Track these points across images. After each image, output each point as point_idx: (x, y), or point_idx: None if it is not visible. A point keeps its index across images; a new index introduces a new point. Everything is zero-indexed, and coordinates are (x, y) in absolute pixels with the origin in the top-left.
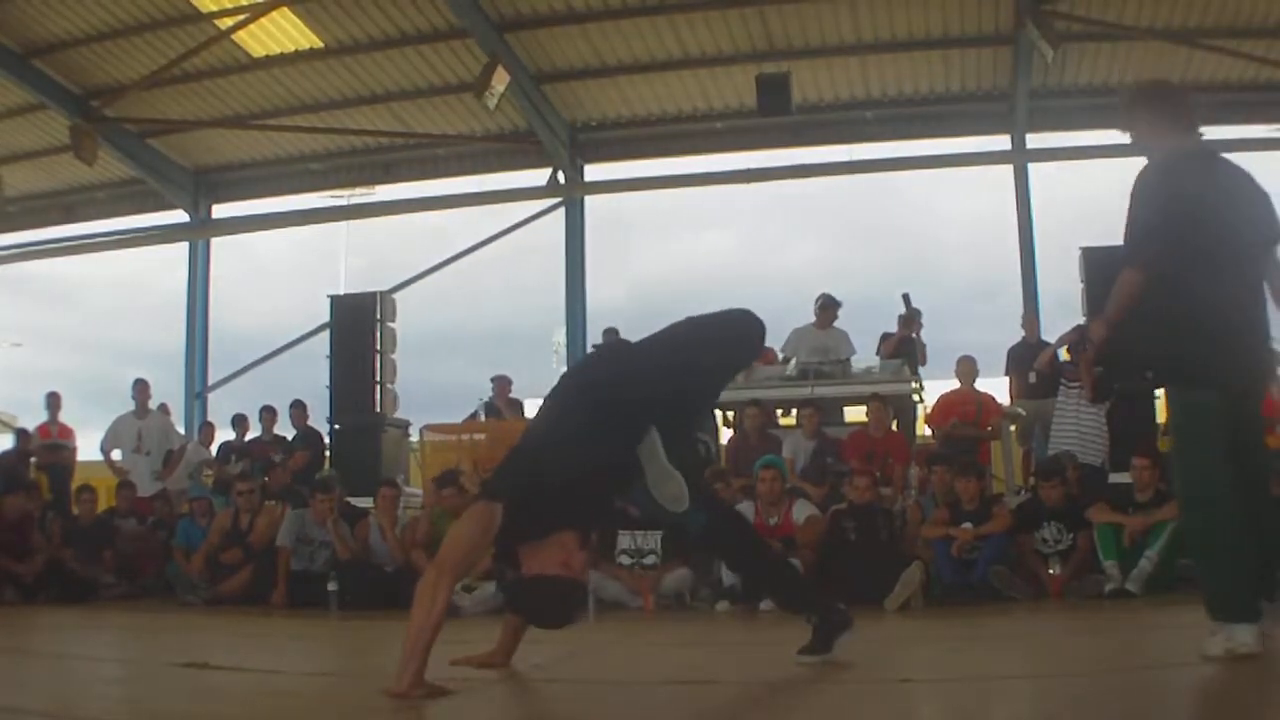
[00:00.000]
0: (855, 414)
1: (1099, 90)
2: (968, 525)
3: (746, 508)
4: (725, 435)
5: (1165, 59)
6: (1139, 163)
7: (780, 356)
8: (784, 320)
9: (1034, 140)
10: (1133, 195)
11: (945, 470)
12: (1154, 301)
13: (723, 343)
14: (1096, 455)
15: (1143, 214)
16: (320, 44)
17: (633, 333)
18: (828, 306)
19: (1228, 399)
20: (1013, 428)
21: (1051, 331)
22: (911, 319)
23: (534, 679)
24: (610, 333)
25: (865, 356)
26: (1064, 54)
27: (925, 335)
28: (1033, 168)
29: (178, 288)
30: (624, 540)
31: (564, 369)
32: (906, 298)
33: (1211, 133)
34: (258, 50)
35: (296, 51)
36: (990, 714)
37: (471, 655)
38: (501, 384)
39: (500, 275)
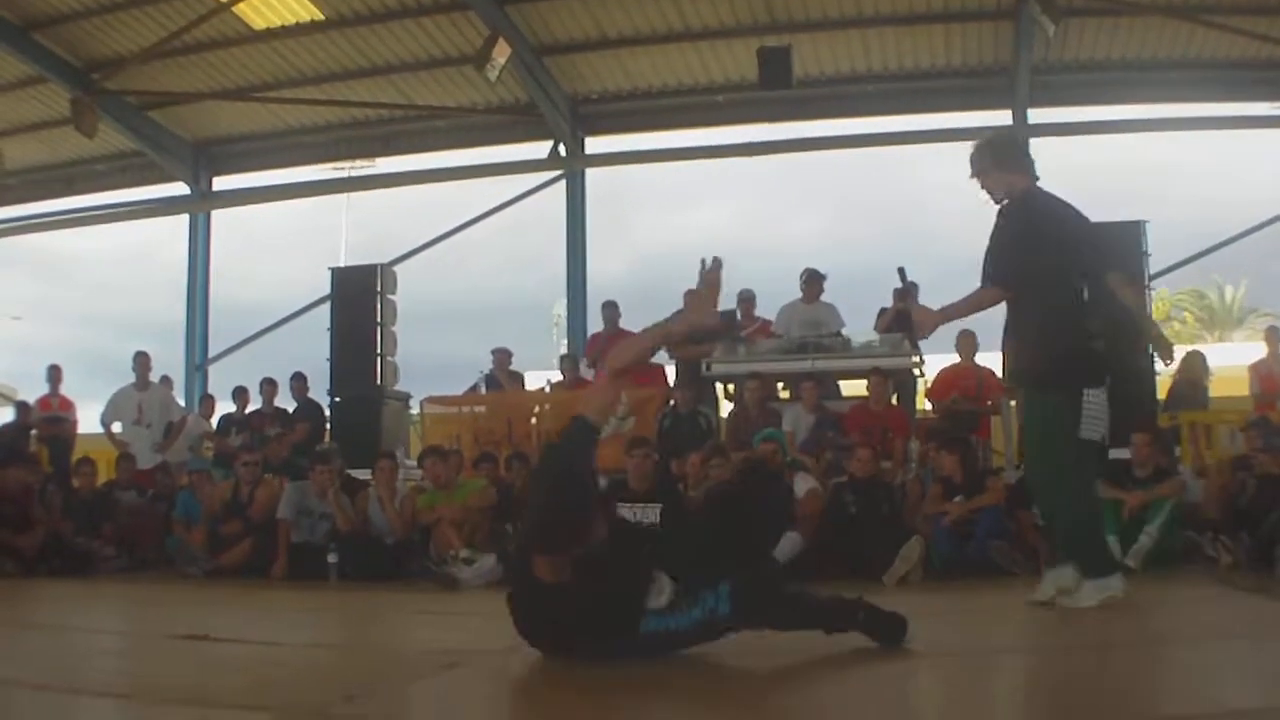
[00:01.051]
0: (852, 388)
1: (1100, 65)
2: (959, 499)
3: None
4: (725, 408)
5: (1167, 34)
6: (1141, 139)
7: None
8: (784, 295)
9: (1035, 115)
10: (998, 228)
11: (935, 448)
12: (1019, 318)
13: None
14: (1096, 431)
15: (1009, 243)
16: (321, 16)
17: (632, 306)
18: (812, 280)
19: (1074, 398)
20: (1013, 403)
21: None
22: (907, 292)
23: (533, 651)
24: (609, 306)
25: (865, 331)
26: (1065, 28)
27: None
28: (1034, 143)
29: (178, 261)
30: (623, 513)
31: (565, 341)
32: (902, 271)
33: (1212, 110)
34: (258, 22)
35: (297, 23)
36: (989, 688)
37: None
38: (501, 356)
39: (501, 248)
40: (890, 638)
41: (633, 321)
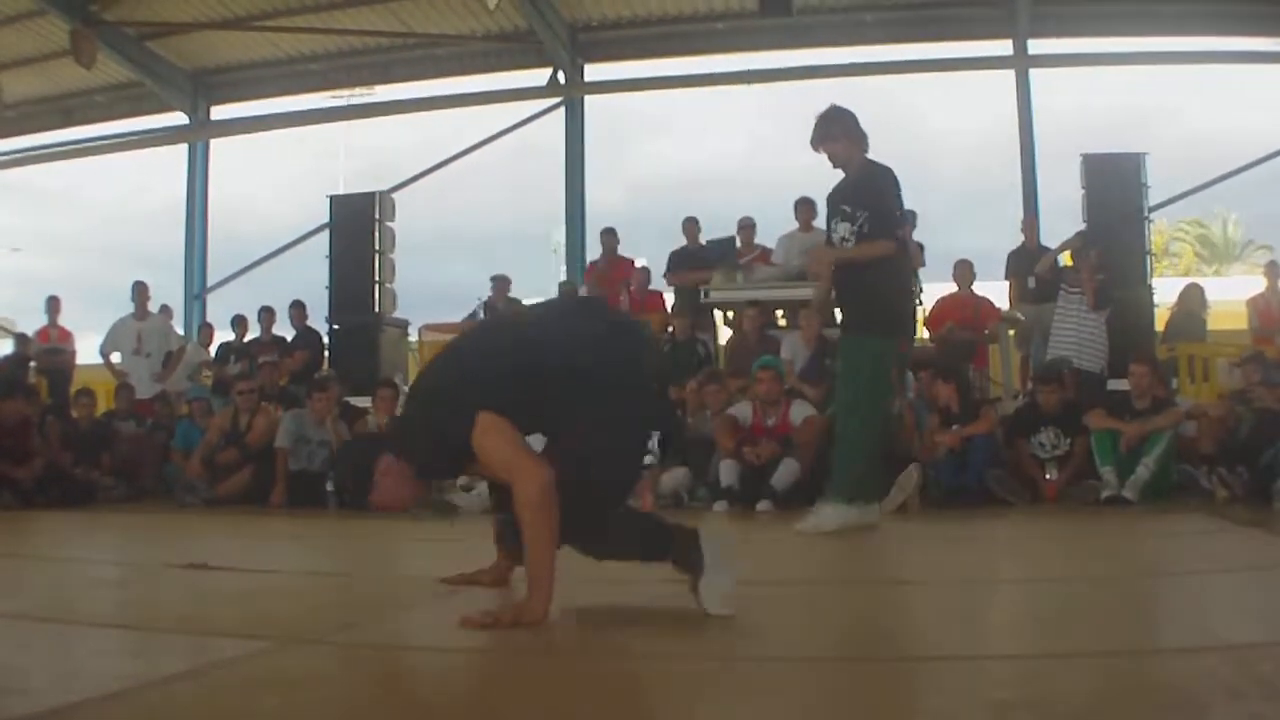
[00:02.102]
0: None
1: None
2: (956, 429)
3: (744, 408)
4: (724, 335)
5: None
6: (1142, 72)
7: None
8: (786, 225)
9: (1035, 46)
10: (873, 188)
11: (927, 377)
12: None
13: None
14: (1096, 362)
15: (886, 204)
16: None
17: (631, 232)
18: (804, 206)
19: (890, 344)
20: (1011, 332)
21: (1051, 237)
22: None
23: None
24: (608, 233)
25: None
26: None
27: (925, 239)
28: (1034, 73)
29: (177, 191)
30: None
31: (564, 268)
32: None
33: (1214, 44)
34: None
35: None
36: (982, 616)
37: (463, 574)
38: (500, 283)
39: (500, 176)
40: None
41: (630, 248)
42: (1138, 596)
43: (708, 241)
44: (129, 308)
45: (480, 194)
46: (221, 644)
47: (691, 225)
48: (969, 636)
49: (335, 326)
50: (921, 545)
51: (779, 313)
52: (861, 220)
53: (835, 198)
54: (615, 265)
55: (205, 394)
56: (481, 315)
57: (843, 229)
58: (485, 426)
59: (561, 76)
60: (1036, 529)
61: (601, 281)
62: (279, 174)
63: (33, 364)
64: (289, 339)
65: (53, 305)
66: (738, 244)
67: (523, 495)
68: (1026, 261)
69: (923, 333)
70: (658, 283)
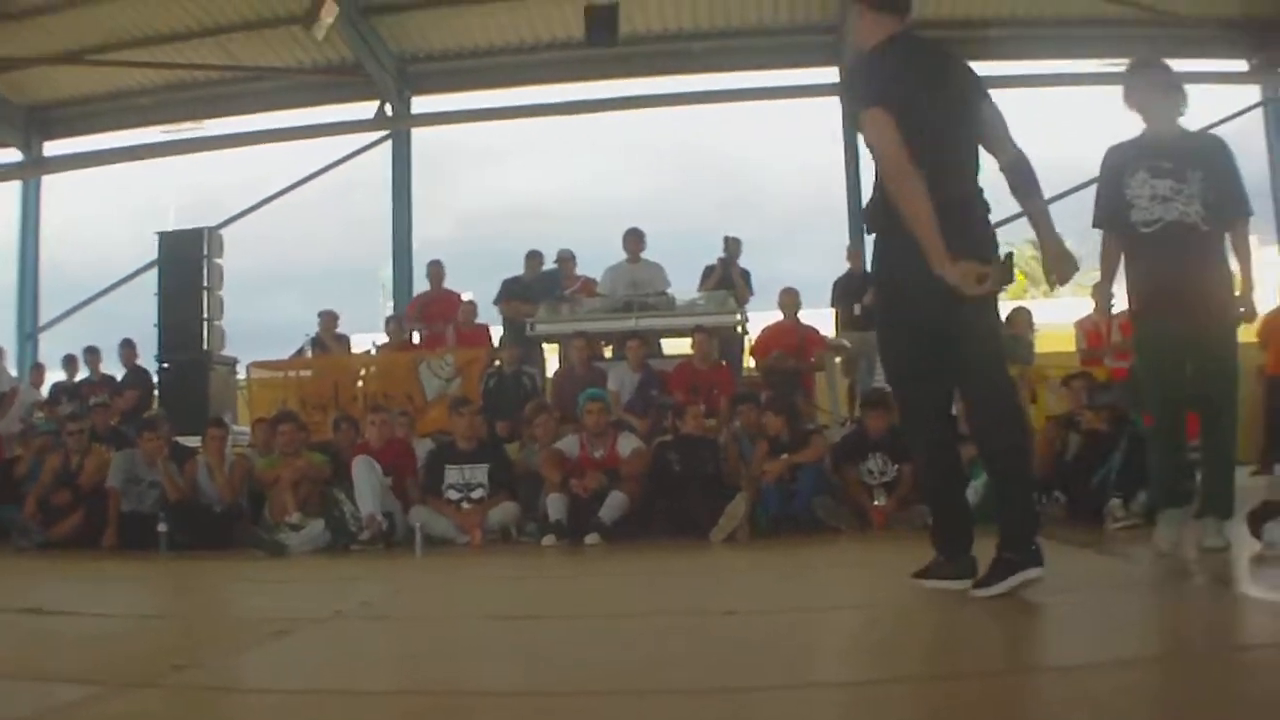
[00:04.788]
0: (676, 346)
1: (929, 24)
2: (784, 457)
3: (571, 441)
4: (552, 368)
5: None
6: None
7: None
8: (613, 256)
9: None
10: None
11: (750, 409)
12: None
13: None
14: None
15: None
16: None
17: (460, 265)
18: (632, 238)
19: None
20: (838, 360)
21: None
22: (731, 258)
23: (359, 617)
24: (434, 265)
25: (690, 289)
26: None
27: (751, 265)
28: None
29: (8, 228)
30: (451, 474)
31: (391, 303)
32: (727, 240)
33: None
34: None
35: None
36: (816, 644)
37: None
38: (328, 318)
39: (329, 211)
40: None
41: (460, 281)
42: (968, 621)
43: (527, 274)
44: None
45: (309, 229)
46: (56, 689)
47: (535, 259)
48: (798, 664)
49: (164, 365)
50: (751, 574)
51: (606, 344)
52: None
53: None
54: (441, 299)
55: (54, 428)
56: (309, 352)
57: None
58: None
59: (389, 109)
60: (865, 555)
61: (425, 316)
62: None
63: None
64: (119, 378)
65: None
66: (560, 276)
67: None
68: (852, 288)
69: (749, 361)
70: (486, 315)
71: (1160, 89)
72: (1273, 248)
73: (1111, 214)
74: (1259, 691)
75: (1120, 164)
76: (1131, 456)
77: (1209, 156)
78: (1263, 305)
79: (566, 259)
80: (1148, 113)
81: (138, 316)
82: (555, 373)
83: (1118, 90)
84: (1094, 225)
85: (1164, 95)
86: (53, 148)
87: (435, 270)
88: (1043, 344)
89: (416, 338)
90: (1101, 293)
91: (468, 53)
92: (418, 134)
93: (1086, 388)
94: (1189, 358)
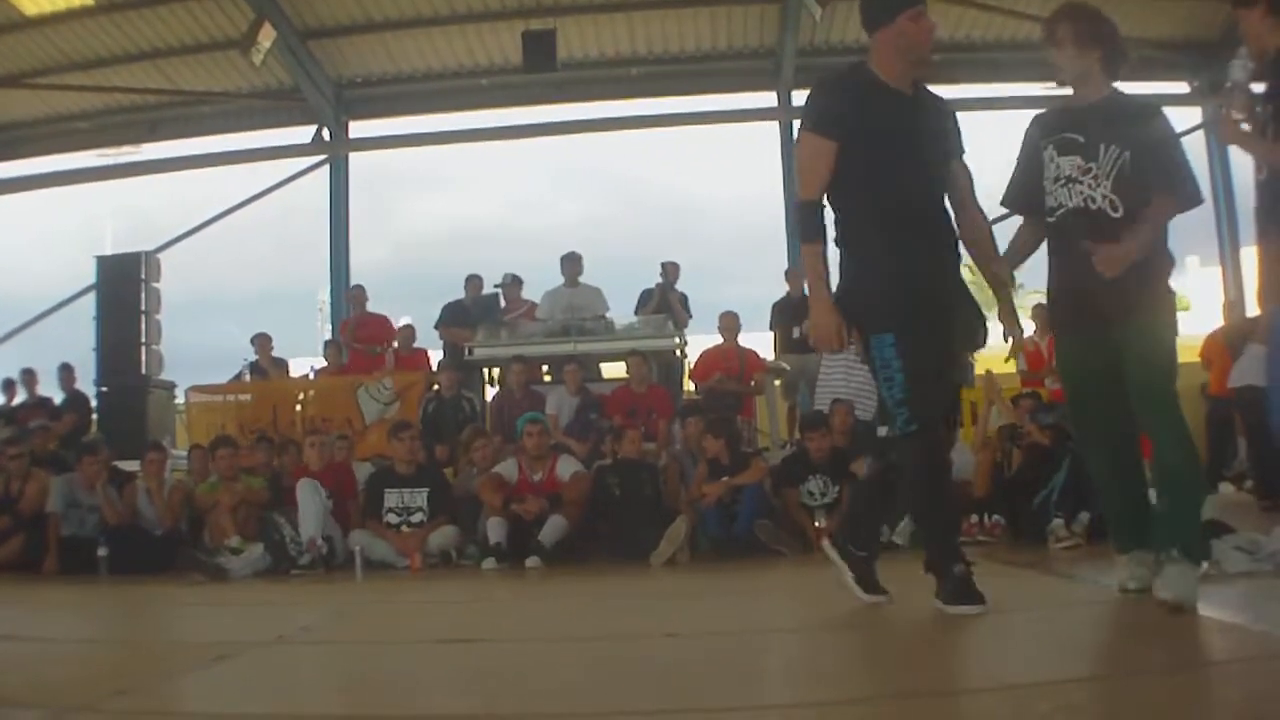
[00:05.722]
0: (616, 370)
1: (866, 49)
2: (725, 479)
3: (510, 465)
4: (491, 392)
5: (937, 18)
6: None
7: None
8: (550, 281)
9: (800, 97)
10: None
11: (696, 422)
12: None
13: None
14: (867, 410)
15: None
16: (91, 2)
17: (397, 289)
18: (568, 262)
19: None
20: (777, 382)
21: None
22: (669, 283)
23: (301, 641)
24: (356, 290)
25: (628, 314)
26: (832, 11)
27: (690, 289)
28: (797, 124)
29: None
30: (391, 498)
31: (329, 327)
32: (664, 266)
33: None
34: (30, 9)
35: (69, 9)
36: (758, 666)
37: None
38: (262, 341)
39: (267, 235)
40: None
41: (398, 305)
42: (913, 640)
43: (467, 298)
44: None
45: (247, 253)
46: None
47: (475, 283)
48: (743, 686)
49: (103, 389)
50: (692, 597)
51: (545, 368)
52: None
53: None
54: (367, 322)
55: None
56: (248, 377)
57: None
58: None
59: (326, 133)
60: (806, 577)
61: (357, 338)
62: (47, 233)
63: None
64: (57, 402)
65: None
66: (502, 301)
67: None
68: (791, 312)
69: (689, 385)
70: (425, 339)
71: (1080, 40)
72: (1216, 268)
73: (1020, 195)
74: (1204, 710)
75: (1037, 137)
76: (1072, 477)
77: (1133, 124)
78: (1203, 324)
79: (511, 283)
80: (1064, 72)
81: (75, 341)
82: (494, 396)
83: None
84: (1001, 204)
85: (1079, 50)
86: None
87: (357, 295)
88: (982, 365)
89: (344, 356)
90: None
91: (405, 77)
92: (355, 158)
93: (1032, 409)
94: (1107, 379)
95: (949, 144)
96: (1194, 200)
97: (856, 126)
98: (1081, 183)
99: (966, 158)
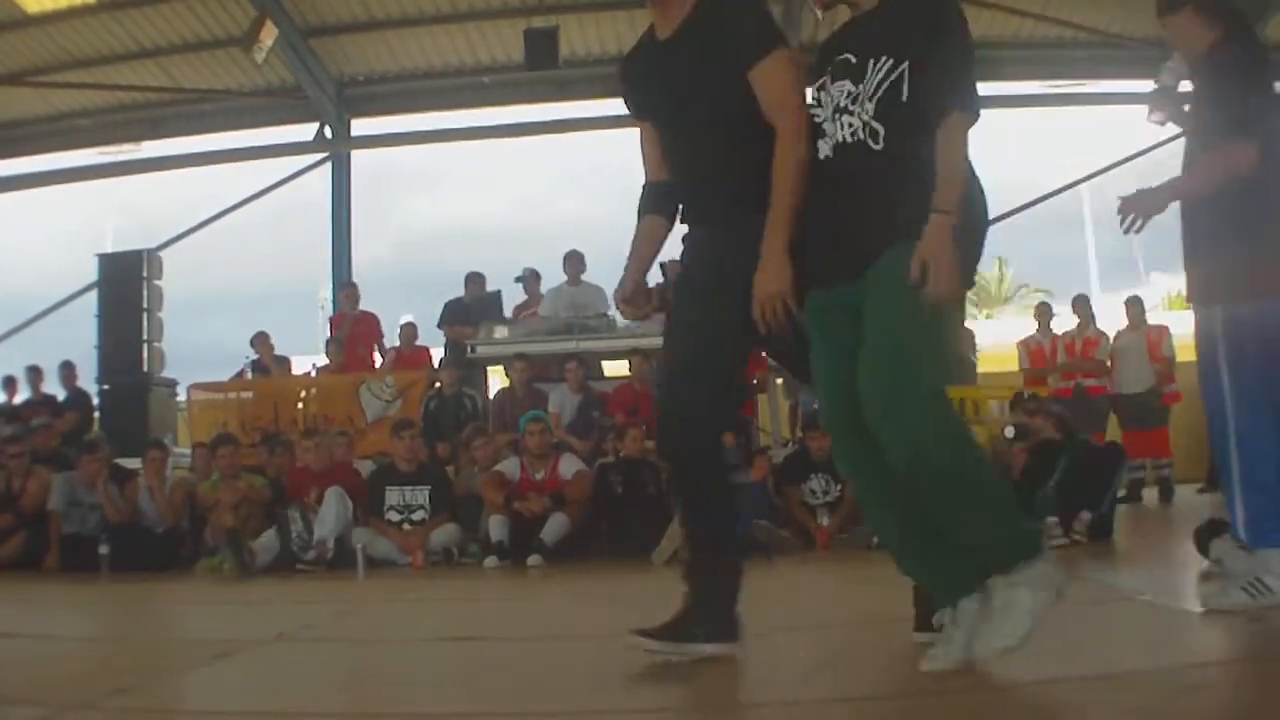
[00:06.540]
0: (616, 368)
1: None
2: None
3: (512, 464)
4: (493, 390)
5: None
6: None
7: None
8: (552, 279)
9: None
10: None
11: None
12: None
13: None
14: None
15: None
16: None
17: (399, 287)
18: (571, 260)
19: None
20: (779, 380)
21: None
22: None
23: (302, 639)
24: (349, 288)
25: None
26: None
27: None
28: None
29: None
30: (392, 496)
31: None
32: (663, 265)
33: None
34: (32, 6)
35: (70, 7)
36: (757, 664)
37: None
38: (262, 340)
39: (269, 233)
40: None
41: (399, 303)
42: (901, 639)
43: (467, 295)
44: None
45: (249, 250)
46: None
47: (476, 281)
48: (755, 684)
49: (105, 387)
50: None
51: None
52: None
53: None
54: (360, 320)
55: None
56: (250, 374)
57: None
58: None
59: (328, 131)
60: (808, 576)
61: (351, 335)
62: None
63: None
64: (60, 399)
65: None
66: (525, 295)
67: None
68: None
69: None
70: (427, 337)
71: None
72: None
73: None
74: (1198, 708)
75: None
76: (1069, 475)
77: (908, 27)
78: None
79: (530, 277)
80: None
81: (77, 339)
82: (496, 394)
83: (1062, 110)
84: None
85: None
86: None
87: (350, 293)
88: (985, 364)
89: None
90: None
91: (407, 75)
92: (357, 156)
93: (1036, 404)
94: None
95: None
96: (964, 109)
97: None
98: (851, 112)
99: None
